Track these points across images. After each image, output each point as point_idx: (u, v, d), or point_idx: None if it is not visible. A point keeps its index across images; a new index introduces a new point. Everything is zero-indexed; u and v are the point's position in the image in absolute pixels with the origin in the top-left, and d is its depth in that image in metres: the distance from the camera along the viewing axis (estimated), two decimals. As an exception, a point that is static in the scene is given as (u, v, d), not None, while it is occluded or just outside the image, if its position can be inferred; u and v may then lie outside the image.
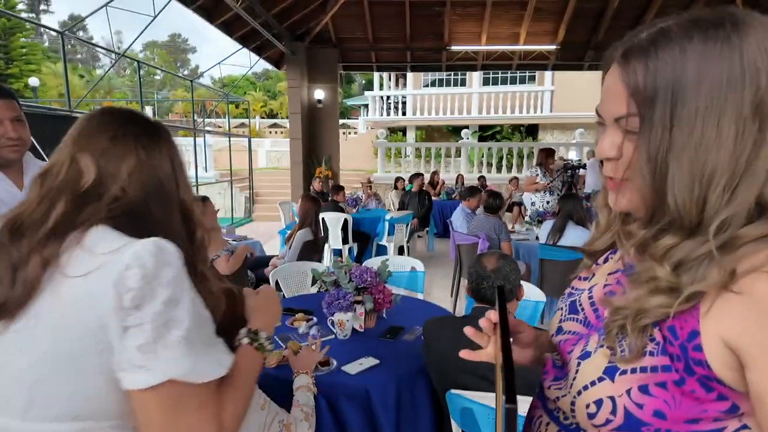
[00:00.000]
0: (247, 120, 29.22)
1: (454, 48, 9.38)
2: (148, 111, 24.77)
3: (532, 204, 5.50)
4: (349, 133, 23.14)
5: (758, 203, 0.50)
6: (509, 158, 11.27)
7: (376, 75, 17.40)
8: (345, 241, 5.66)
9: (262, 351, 0.88)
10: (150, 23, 5.21)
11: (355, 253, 5.92)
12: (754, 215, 0.50)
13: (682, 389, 0.51)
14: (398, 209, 7.03)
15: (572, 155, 6.51)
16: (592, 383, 0.57)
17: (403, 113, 16.89)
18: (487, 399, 1.36)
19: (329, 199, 6.20)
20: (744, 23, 0.49)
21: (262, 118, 34.01)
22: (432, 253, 6.90)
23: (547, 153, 5.46)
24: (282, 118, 35.02)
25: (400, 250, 6.07)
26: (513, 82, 16.61)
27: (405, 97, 16.96)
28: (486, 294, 1.60)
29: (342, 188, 6.28)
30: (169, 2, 5.22)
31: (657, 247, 0.54)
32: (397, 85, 18.94)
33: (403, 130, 17.62)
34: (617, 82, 0.53)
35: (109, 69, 9.36)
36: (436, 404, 1.73)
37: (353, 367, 1.72)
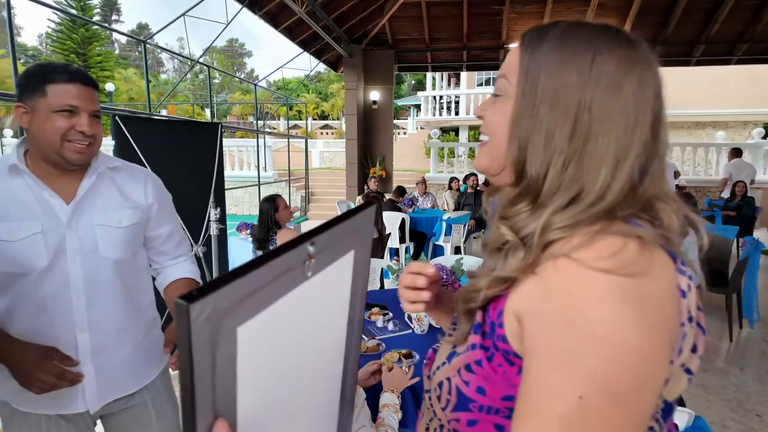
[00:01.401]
0: (301, 121, 30.06)
1: (512, 46, 9.22)
2: (207, 114, 26.01)
3: None
4: (399, 134, 23.25)
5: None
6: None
7: (428, 75, 17.41)
8: (402, 240, 5.74)
9: None
10: (224, 30, 5.51)
11: (411, 252, 6.00)
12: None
13: (493, 365, 0.52)
14: (453, 210, 7.03)
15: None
16: (438, 368, 0.60)
17: (456, 113, 16.78)
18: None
19: (384, 199, 6.31)
20: (607, 40, 0.52)
21: (314, 119, 34.85)
22: (488, 254, 6.84)
23: None
24: (333, 119, 35.71)
25: (457, 251, 6.08)
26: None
27: (458, 97, 16.85)
28: None
29: (404, 191, 6.38)
30: (240, 10, 5.50)
31: (509, 209, 0.56)
32: (449, 84, 18.84)
33: (456, 130, 17.51)
34: (515, 53, 0.57)
35: (185, 74, 9.97)
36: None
37: (436, 360, 1.78)
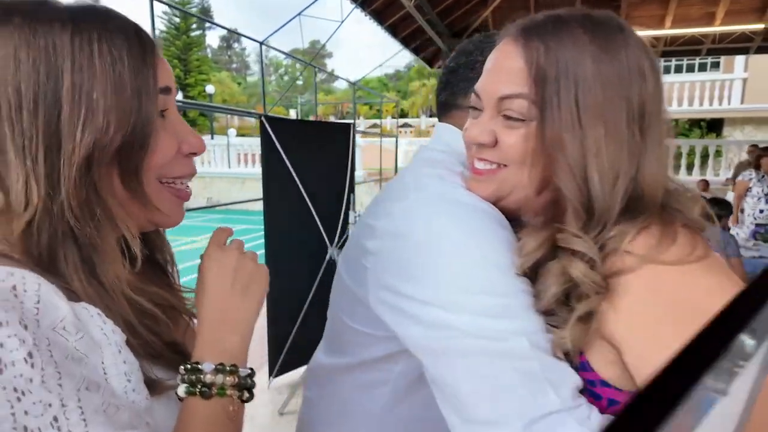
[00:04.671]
0: (379, 120, 30.35)
1: (641, 34, 8.44)
2: (292, 113, 27.11)
3: (741, 211, 4.73)
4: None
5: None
6: (689, 157, 9.84)
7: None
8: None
9: (220, 395, 0.49)
10: (338, 28, 5.50)
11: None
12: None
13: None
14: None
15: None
16: None
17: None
18: None
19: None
20: (625, 28, 0.55)
21: (392, 117, 35.05)
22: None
23: (764, 152, 4.61)
24: (412, 117, 35.65)
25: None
26: (690, 69, 14.54)
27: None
28: None
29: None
30: (354, 9, 5.47)
31: (567, 240, 0.51)
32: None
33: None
34: (513, 59, 0.54)
35: (298, 76, 10.25)
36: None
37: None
